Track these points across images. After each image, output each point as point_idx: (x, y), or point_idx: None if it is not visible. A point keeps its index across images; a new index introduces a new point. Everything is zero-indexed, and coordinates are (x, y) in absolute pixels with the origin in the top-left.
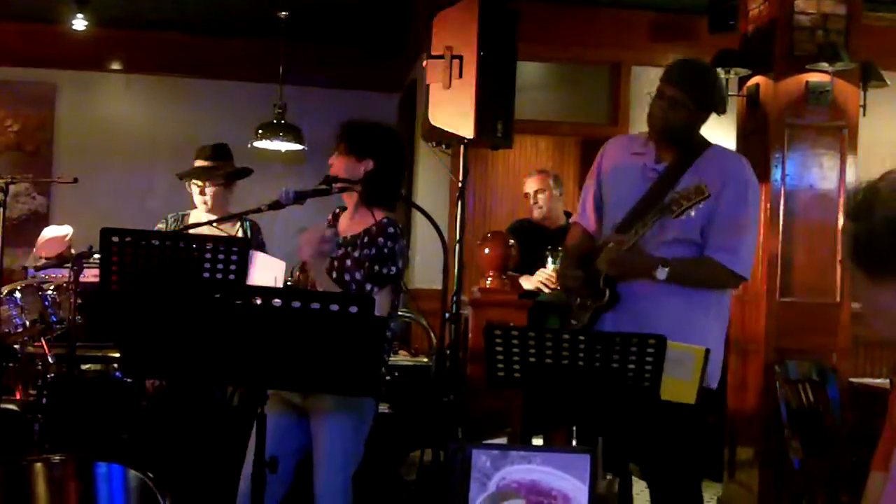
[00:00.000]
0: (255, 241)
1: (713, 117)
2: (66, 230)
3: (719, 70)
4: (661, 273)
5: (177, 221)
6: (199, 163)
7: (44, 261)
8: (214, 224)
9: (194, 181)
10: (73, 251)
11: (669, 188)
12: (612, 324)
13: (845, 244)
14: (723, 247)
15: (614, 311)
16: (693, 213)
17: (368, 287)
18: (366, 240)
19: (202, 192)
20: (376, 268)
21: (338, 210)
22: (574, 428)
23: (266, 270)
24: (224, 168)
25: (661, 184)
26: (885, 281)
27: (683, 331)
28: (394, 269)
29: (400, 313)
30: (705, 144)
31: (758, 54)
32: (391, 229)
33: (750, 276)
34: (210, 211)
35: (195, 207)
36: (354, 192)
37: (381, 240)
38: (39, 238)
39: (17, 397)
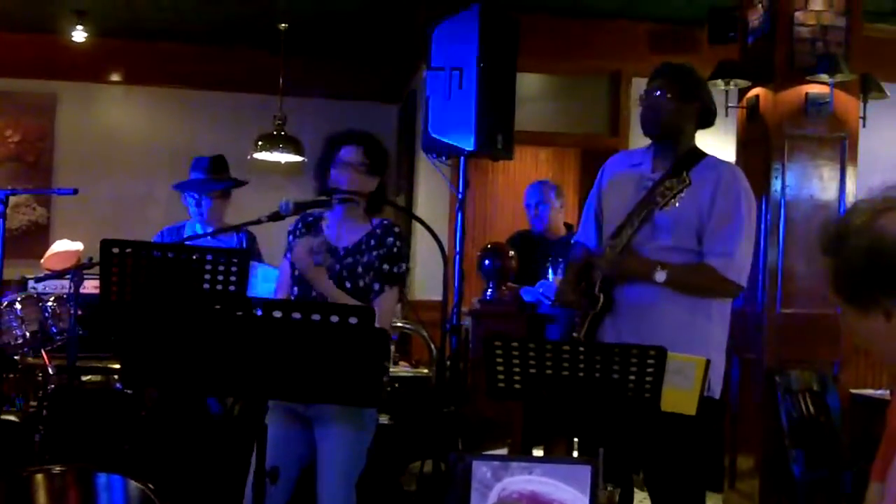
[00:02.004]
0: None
1: (714, 130)
2: (77, 246)
3: (719, 81)
4: (660, 276)
5: (173, 234)
6: (195, 174)
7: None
8: (211, 236)
9: (190, 193)
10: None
11: None
12: (613, 331)
13: (827, 282)
14: (718, 253)
15: (613, 319)
16: (678, 204)
17: (377, 286)
18: (372, 242)
19: (198, 204)
20: (386, 267)
21: (311, 219)
22: (576, 440)
23: (267, 281)
24: (221, 180)
25: (654, 191)
26: (872, 309)
27: (685, 339)
28: (403, 266)
29: (400, 324)
30: (700, 155)
31: (758, 65)
32: (397, 229)
33: (746, 284)
34: (207, 222)
35: (191, 219)
36: (352, 203)
37: (390, 239)
38: (49, 251)
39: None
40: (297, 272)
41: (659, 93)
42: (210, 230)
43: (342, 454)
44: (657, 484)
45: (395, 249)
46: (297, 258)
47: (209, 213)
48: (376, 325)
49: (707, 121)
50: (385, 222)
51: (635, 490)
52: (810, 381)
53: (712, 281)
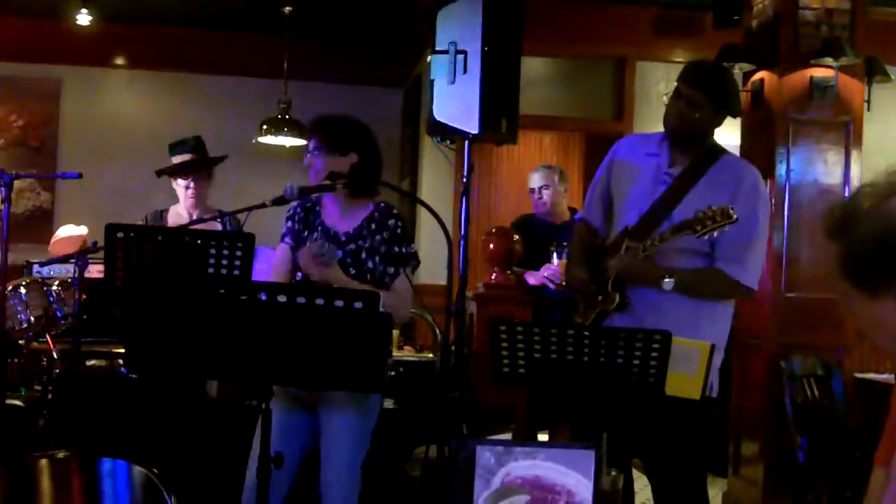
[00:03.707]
0: None
1: None
2: (81, 230)
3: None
4: (668, 284)
5: (156, 218)
6: (179, 158)
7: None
8: (194, 224)
9: (180, 177)
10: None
11: (683, 194)
12: (619, 325)
13: (833, 265)
14: (731, 258)
15: (619, 314)
16: (716, 234)
17: (392, 270)
18: (373, 227)
19: (188, 187)
20: (396, 249)
21: (309, 203)
22: (572, 426)
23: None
24: (204, 160)
25: (674, 189)
26: (882, 293)
27: (689, 336)
28: (412, 247)
29: None
30: (720, 151)
31: (762, 49)
32: (395, 210)
33: (757, 287)
34: (195, 205)
35: (178, 203)
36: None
37: (391, 222)
38: (54, 237)
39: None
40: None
41: (690, 101)
42: (196, 213)
43: (346, 439)
44: (658, 469)
45: (398, 231)
46: (305, 267)
47: (199, 194)
48: (398, 307)
49: (733, 116)
50: (383, 205)
51: (636, 476)
52: (814, 366)
53: (723, 286)
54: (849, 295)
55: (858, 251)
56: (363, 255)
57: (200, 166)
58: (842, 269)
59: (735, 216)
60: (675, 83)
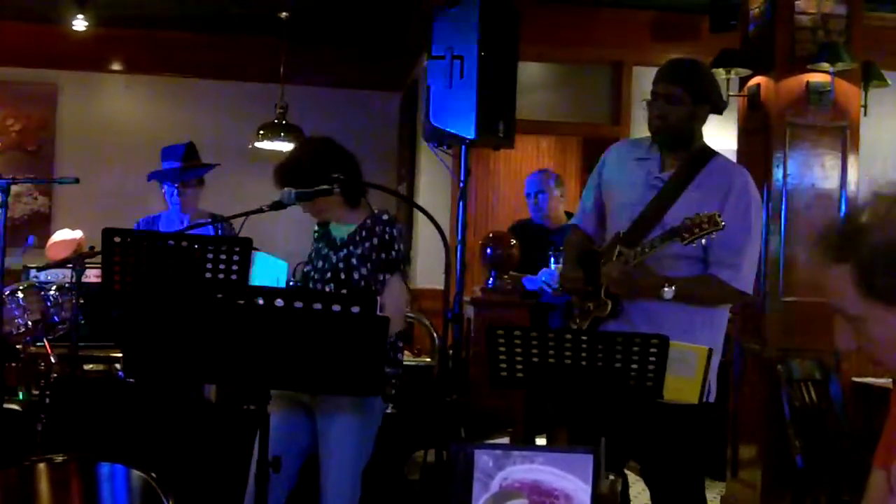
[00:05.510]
0: None
1: (715, 119)
2: (76, 234)
3: (720, 70)
4: (668, 293)
5: (149, 224)
6: (170, 164)
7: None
8: (188, 229)
9: (169, 183)
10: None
11: (674, 199)
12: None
13: (841, 286)
14: (725, 263)
15: (615, 321)
16: (704, 242)
17: (380, 276)
18: (364, 234)
19: (181, 194)
20: (382, 255)
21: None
22: (570, 430)
23: (268, 270)
24: (195, 167)
25: (665, 194)
26: None
27: (685, 342)
28: (398, 251)
29: None
30: (710, 154)
31: (759, 54)
32: (385, 216)
33: (752, 291)
34: (185, 211)
35: (168, 208)
36: (334, 202)
37: (378, 228)
38: (49, 240)
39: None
40: (305, 268)
41: (668, 97)
42: (187, 219)
43: (346, 444)
44: (655, 473)
45: (386, 237)
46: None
47: (189, 201)
48: (389, 314)
49: (717, 111)
50: (377, 213)
51: (634, 480)
52: (812, 370)
53: (720, 292)
54: (863, 316)
55: (874, 263)
56: (353, 261)
57: (188, 175)
58: (856, 286)
59: (722, 223)
60: (651, 86)
